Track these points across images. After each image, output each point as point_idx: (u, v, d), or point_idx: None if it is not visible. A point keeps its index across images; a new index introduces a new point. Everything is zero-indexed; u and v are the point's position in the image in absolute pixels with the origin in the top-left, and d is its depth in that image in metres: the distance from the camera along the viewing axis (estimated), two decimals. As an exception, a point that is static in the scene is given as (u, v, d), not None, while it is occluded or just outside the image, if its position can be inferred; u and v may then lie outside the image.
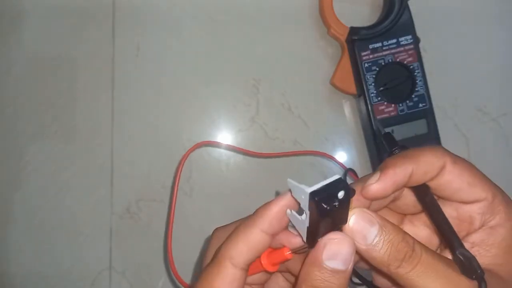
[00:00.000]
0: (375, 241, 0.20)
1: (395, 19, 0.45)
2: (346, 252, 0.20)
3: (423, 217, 0.26)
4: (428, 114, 0.45)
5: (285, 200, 0.22)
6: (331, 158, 0.47)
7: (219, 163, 0.48)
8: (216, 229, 0.28)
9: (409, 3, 0.45)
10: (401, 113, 0.45)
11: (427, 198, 0.23)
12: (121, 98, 0.48)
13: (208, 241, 0.27)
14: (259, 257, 0.23)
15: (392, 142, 0.26)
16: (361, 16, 0.48)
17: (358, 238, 0.21)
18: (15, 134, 0.48)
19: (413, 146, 0.45)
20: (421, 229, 0.26)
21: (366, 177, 0.23)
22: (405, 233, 0.21)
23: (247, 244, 0.22)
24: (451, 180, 0.23)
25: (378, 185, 0.22)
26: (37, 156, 0.47)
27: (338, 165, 0.48)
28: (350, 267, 0.21)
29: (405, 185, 0.23)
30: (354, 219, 0.21)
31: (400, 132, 0.45)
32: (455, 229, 0.22)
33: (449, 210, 0.24)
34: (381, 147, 0.45)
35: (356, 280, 0.46)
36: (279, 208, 0.22)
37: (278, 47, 0.49)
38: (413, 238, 0.21)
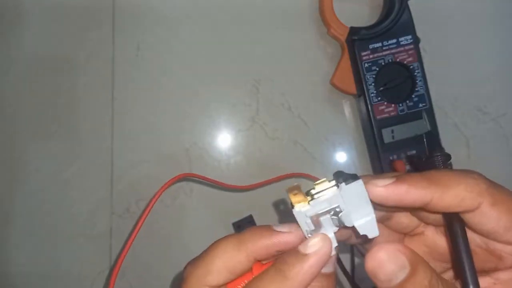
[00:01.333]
0: (400, 283, 0.18)
1: (395, 19, 0.45)
2: (332, 255, 0.20)
3: (422, 238, 0.24)
4: (428, 114, 0.45)
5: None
6: (308, 177, 0.47)
7: (219, 163, 0.48)
8: (190, 264, 0.22)
9: (409, 3, 0.45)
10: (401, 113, 0.45)
11: (456, 227, 0.20)
12: (121, 98, 0.48)
13: (182, 280, 0.22)
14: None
15: (434, 144, 0.22)
16: (361, 16, 0.48)
17: (380, 278, 0.18)
18: (15, 134, 0.48)
19: (412, 145, 0.45)
20: (419, 249, 0.23)
21: (381, 176, 0.21)
22: (433, 276, 0.18)
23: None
24: (485, 223, 0.20)
25: (382, 191, 0.19)
26: (37, 156, 0.47)
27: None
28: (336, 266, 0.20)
29: (417, 208, 0.20)
30: (384, 258, 0.18)
31: (400, 132, 0.45)
32: (480, 258, 0.20)
33: (478, 240, 0.21)
34: (381, 148, 0.45)
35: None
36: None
37: (278, 47, 0.49)
38: (438, 281, 0.18)
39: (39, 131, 0.48)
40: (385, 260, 0.18)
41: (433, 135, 0.23)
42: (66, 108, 0.48)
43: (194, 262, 0.21)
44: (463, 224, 0.20)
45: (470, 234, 0.21)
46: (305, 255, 0.19)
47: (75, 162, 0.48)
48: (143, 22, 0.48)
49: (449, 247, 0.22)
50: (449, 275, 0.24)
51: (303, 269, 0.19)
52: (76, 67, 0.48)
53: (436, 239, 0.23)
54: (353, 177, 0.19)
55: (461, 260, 0.20)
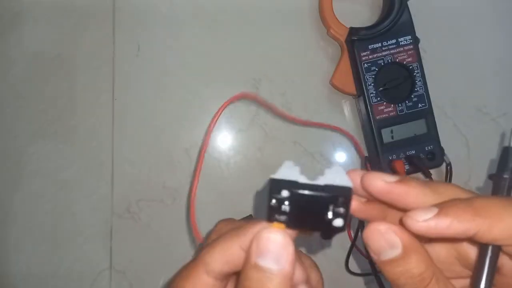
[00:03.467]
0: (388, 261, 0.19)
1: (394, 19, 0.45)
2: (276, 249, 0.18)
3: (457, 243, 0.22)
4: (427, 114, 0.45)
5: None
6: (339, 130, 0.47)
7: (219, 163, 0.48)
8: (220, 221, 0.26)
9: (409, 3, 0.45)
10: (400, 113, 0.45)
11: (488, 258, 0.19)
12: (121, 98, 0.48)
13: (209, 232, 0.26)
14: (236, 271, 0.21)
15: (507, 163, 0.21)
16: (361, 16, 0.48)
17: (371, 248, 0.19)
18: (15, 134, 0.48)
19: (412, 145, 0.45)
20: (448, 251, 0.23)
21: (416, 188, 0.20)
22: (428, 267, 0.19)
23: (224, 256, 0.20)
24: None
25: (423, 226, 0.18)
26: (37, 156, 0.47)
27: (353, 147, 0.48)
28: (287, 266, 0.18)
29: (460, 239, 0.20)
30: (373, 234, 0.19)
31: (399, 132, 0.45)
32: (508, 282, 0.20)
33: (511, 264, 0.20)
34: (380, 148, 0.45)
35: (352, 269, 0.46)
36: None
37: (278, 47, 0.49)
38: (433, 272, 0.19)
39: (39, 131, 0.48)
40: (377, 233, 0.19)
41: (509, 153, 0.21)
42: (66, 108, 0.48)
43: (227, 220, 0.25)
44: (497, 253, 0.19)
45: (507, 260, 0.20)
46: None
47: (75, 162, 0.48)
48: (143, 22, 0.48)
49: (474, 267, 0.21)
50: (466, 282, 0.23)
51: (251, 230, 0.20)
52: (76, 67, 0.48)
53: (469, 249, 0.22)
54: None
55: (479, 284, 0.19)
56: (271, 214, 0.19)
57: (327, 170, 0.20)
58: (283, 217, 0.19)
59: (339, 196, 0.19)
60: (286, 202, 0.19)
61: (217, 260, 0.21)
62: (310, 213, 0.19)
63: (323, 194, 0.19)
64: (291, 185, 0.19)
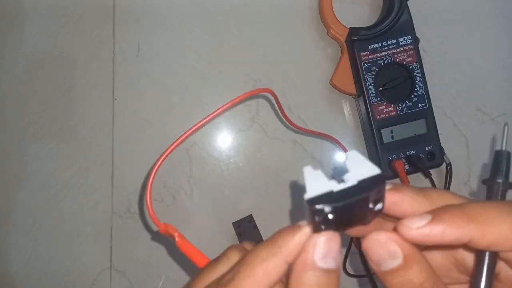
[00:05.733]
0: (389, 271, 0.18)
1: (394, 20, 0.45)
2: (336, 250, 0.19)
3: (453, 250, 0.22)
4: (427, 114, 0.45)
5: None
6: (336, 142, 0.47)
7: (219, 163, 0.48)
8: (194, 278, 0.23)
9: (409, 3, 0.45)
10: (400, 113, 0.45)
11: (486, 264, 0.19)
12: (121, 98, 0.48)
13: None
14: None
15: (500, 167, 0.21)
16: (360, 16, 0.48)
17: (371, 258, 0.19)
18: (15, 134, 0.48)
19: (412, 145, 0.45)
20: (445, 259, 0.23)
21: (410, 196, 0.20)
22: (429, 276, 0.18)
23: (268, 277, 0.19)
24: None
25: (419, 232, 0.18)
26: (37, 156, 0.48)
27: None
28: (340, 264, 0.19)
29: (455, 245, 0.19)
30: (373, 245, 0.18)
31: (399, 132, 0.45)
32: (502, 287, 0.20)
33: (510, 272, 0.20)
34: (380, 148, 0.45)
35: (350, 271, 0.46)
36: (306, 233, 0.19)
37: (278, 47, 0.49)
38: (434, 282, 0.18)
39: (39, 131, 0.48)
40: (377, 244, 0.18)
41: (506, 157, 0.21)
42: (66, 108, 0.48)
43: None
44: (494, 259, 0.19)
45: (504, 266, 0.20)
46: (299, 226, 0.19)
47: (75, 162, 0.48)
48: (143, 22, 0.49)
49: (472, 274, 0.21)
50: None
51: (293, 240, 0.19)
52: (77, 67, 0.48)
53: (465, 255, 0.22)
54: None
55: None
56: (317, 227, 0.19)
57: (347, 162, 0.20)
58: (330, 226, 0.19)
59: (375, 188, 0.19)
60: (330, 214, 0.18)
61: (261, 283, 0.19)
62: (356, 213, 0.19)
63: (362, 195, 0.18)
64: (329, 198, 0.18)
